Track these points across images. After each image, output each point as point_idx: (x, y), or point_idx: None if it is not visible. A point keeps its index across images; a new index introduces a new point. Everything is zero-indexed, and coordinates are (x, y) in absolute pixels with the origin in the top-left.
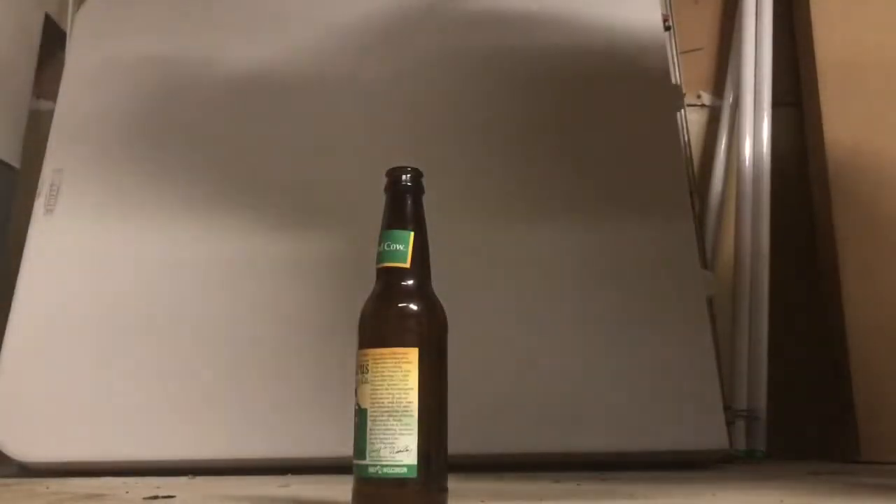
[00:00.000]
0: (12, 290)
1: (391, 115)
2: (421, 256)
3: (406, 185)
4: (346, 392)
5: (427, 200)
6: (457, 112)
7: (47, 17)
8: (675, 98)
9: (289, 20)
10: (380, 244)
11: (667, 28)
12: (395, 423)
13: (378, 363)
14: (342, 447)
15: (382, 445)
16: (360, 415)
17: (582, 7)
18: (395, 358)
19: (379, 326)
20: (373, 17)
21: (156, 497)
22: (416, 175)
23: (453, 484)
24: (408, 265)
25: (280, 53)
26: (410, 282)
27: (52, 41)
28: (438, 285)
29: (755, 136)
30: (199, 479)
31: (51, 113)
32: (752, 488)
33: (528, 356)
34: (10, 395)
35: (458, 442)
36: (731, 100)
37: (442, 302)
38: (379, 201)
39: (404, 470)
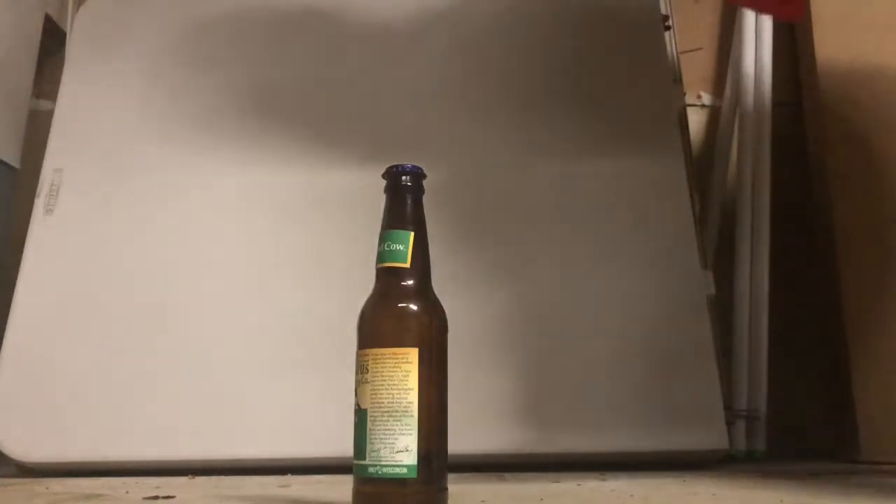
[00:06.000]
0: (12, 289)
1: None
2: (421, 256)
3: (406, 185)
4: (346, 392)
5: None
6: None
7: (47, 17)
8: (675, 98)
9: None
10: (380, 244)
11: (667, 28)
12: (395, 423)
13: (378, 363)
14: (342, 447)
15: (382, 445)
16: (360, 415)
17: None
18: (395, 358)
19: (379, 326)
20: None
21: (156, 497)
22: (416, 175)
23: (453, 484)
24: (408, 265)
25: (283, 59)
26: (410, 282)
27: (52, 41)
28: (439, 282)
29: (755, 136)
30: (199, 479)
31: (51, 113)
32: (751, 488)
33: (528, 356)
34: (10, 395)
35: (458, 442)
36: (731, 100)
37: (442, 301)
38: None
39: (404, 470)
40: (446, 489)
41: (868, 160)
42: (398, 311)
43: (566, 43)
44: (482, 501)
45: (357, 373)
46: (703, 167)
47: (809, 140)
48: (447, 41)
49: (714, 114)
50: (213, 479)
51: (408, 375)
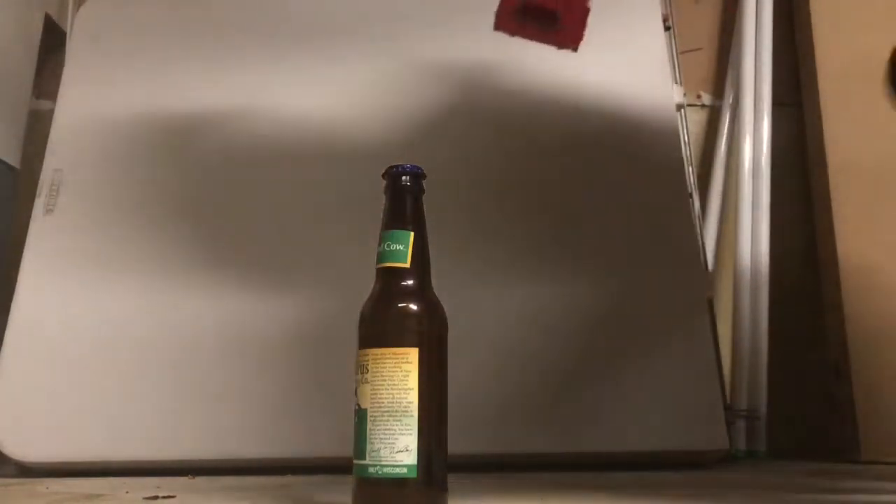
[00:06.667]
0: (12, 290)
1: None
2: (421, 256)
3: (406, 184)
4: (345, 392)
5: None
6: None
7: (47, 17)
8: (674, 97)
9: (293, 23)
10: (380, 244)
11: (667, 28)
12: (395, 423)
13: (378, 363)
14: (342, 447)
15: (382, 445)
16: (360, 415)
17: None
18: (395, 358)
19: (379, 326)
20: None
21: (156, 497)
22: (416, 175)
23: (453, 484)
24: (408, 265)
25: (285, 59)
26: (410, 282)
27: (52, 41)
28: (439, 287)
29: (755, 136)
30: (199, 479)
31: (51, 113)
32: (751, 488)
33: (528, 356)
34: (10, 395)
35: (458, 442)
36: (731, 100)
37: (443, 302)
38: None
39: (404, 470)
40: (446, 489)
41: (868, 159)
42: (398, 311)
43: None
44: (482, 501)
45: (357, 373)
46: (703, 167)
47: (809, 141)
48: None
49: (714, 114)
50: (213, 479)
51: (408, 375)
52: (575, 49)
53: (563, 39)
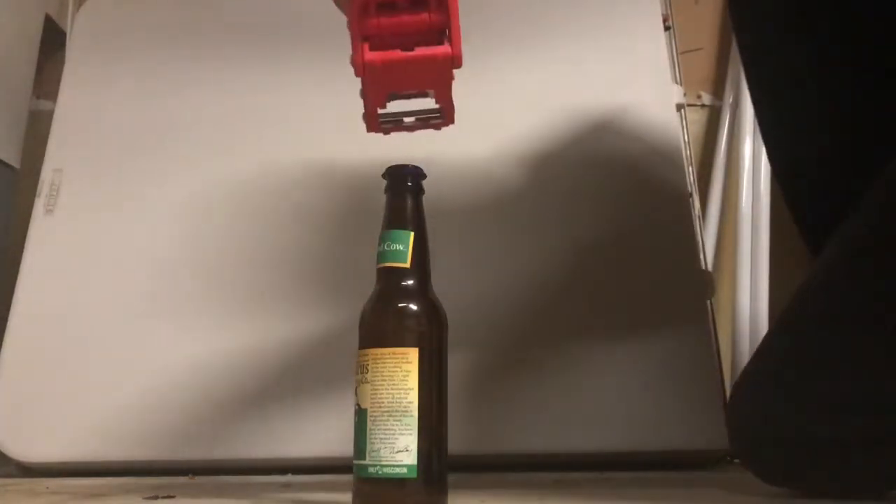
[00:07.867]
0: (12, 290)
1: None
2: (421, 256)
3: (406, 184)
4: (346, 392)
5: None
6: None
7: (47, 17)
8: (674, 97)
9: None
10: (380, 244)
11: (667, 28)
12: (394, 423)
13: (378, 363)
14: (342, 447)
15: (382, 445)
16: (360, 415)
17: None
18: (395, 358)
19: (379, 326)
20: None
21: (156, 497)
22: (416, 175)
23: (453, 484)
24: (408, 265)
25: (290, 59)
26: (410, 282)
27: (52, 41)
28: (438, 281)
29: (755, 136)
30: (199, 479)
31: (51, 113)
32: (751, 488)
33: (528, 356)
34: (10, 395)
35: (458, 442)
36: (731, 100)
37: (442, 300)
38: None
39: (404, 470)
40: (446, 489)
41: None
42: (398, 311)
43: None
44: (482, 501)
45: (357, 372)
46: (703, 167)
47: None
48: None
49: (714, 114)
50: (213, 479)
51: (408, 375)
52: (453, 122)
53: (441, 122)
